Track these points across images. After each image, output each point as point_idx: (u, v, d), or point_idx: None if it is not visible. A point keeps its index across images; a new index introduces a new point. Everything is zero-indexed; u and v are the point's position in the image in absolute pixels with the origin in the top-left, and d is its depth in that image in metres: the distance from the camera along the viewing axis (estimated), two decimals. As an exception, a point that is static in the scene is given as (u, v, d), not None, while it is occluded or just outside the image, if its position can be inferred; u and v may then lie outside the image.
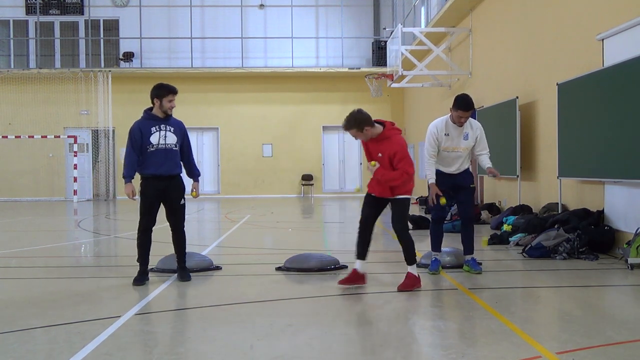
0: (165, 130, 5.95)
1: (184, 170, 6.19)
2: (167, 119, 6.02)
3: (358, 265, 5.65)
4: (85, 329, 4.27)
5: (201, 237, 10.66)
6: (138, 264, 6.00)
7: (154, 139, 5.90)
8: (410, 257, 5.55)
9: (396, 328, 4.27)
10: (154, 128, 5.92)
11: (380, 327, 4.29)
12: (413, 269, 5.54)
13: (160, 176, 5.94)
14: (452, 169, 6.23)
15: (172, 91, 5.97)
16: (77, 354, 3.66)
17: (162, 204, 6.06)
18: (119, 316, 4.58)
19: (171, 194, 6.01)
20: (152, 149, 5.89)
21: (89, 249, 9.12)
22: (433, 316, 4.63)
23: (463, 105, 6.02)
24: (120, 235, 10.77)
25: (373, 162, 5.56)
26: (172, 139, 5.97)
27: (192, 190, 6.25)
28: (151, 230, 6.06)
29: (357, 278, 5.62)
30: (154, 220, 6.04)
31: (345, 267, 6.64)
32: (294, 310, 4.89)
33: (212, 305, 5.01)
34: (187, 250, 6.28)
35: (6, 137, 21.06)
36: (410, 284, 5.47)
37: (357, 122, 5.42)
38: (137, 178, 6.01)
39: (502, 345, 3.82)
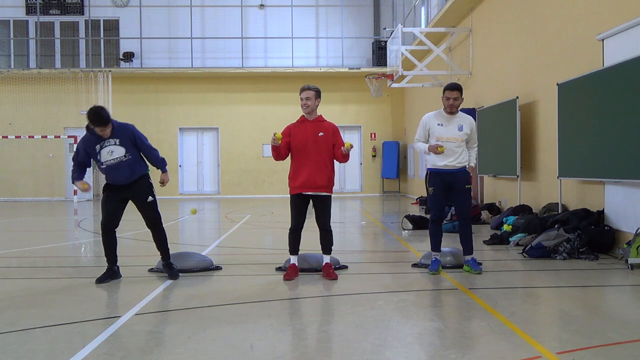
0: (110, 145, 5.84)
1: (151, 168, 6.16)
2: (110, 133, 5.84)
3: (293, 259, 6.29)
4: (85, 329, 4.27)
5: (201, 237, 10.65)
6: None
7: (102, 156, 5.84)
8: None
9: (396, 328, 4.26)
10: (98, 146, 5.83)
11: (380, 327, 4.29)
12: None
13: (118, 186, 5.99)
14: (448, 160, 6.25)
15: (93, 124, 5.67)
16: (77, 354, 3.66)
17: (133, 203, 6.09)
18: (119, 316, 4.58)
19: (135, 193, 6.02)
20: (103, 166, 5.88)
21: (89, 249, 9.11)
22: (433, 316, 4.62)
23: (449, 86, 6.36)
24: (120, 236, 10.74)
25: (348, 143, 5.96)
26: (119, 152, 5.85)
27: (160, 181, 6.20)
28: (111, 229, 6.03)
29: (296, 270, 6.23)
30: (114, 219, 6.01)
31: (345, 267, 6.66)
32: (294, 310, 4.88)
33: (212, 305, 5.00)
34: (187, 251, 6.29)
35: (6, 137, 21.08)
36: (334, 272, 6.11)
37: (319, 91, 6.14)
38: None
39: (502, 345, 3.82)
